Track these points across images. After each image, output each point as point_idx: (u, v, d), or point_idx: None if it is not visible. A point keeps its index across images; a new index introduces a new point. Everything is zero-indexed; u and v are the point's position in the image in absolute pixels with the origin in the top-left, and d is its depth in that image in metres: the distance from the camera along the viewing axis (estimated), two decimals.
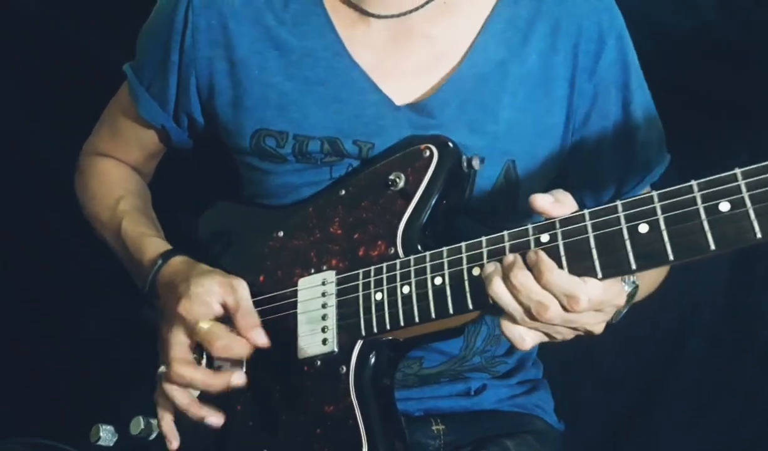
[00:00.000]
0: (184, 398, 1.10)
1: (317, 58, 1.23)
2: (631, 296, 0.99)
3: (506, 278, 0.93)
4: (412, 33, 1.24)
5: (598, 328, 0.97)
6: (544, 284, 0.91)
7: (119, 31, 1.70)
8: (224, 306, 1.11)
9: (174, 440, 1.14)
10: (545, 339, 0.98)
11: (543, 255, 0.92)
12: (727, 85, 1.58)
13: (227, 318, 1.11)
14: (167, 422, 1.14)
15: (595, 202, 1.22)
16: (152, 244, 1.26)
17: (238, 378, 1.08)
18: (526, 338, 0.95)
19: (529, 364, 1.43)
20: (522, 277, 0.92)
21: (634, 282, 0.99)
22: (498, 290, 0.94)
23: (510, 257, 0.94)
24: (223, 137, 1.31)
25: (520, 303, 0.93)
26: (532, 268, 0.92)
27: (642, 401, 1.75)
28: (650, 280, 1.30)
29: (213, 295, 1.10)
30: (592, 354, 1.71)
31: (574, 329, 0.96)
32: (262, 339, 1.08)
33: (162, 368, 1.12)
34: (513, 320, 0.94)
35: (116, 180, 1.41)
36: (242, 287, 1.12)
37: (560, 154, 1.26)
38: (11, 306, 1.84)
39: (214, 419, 1.10)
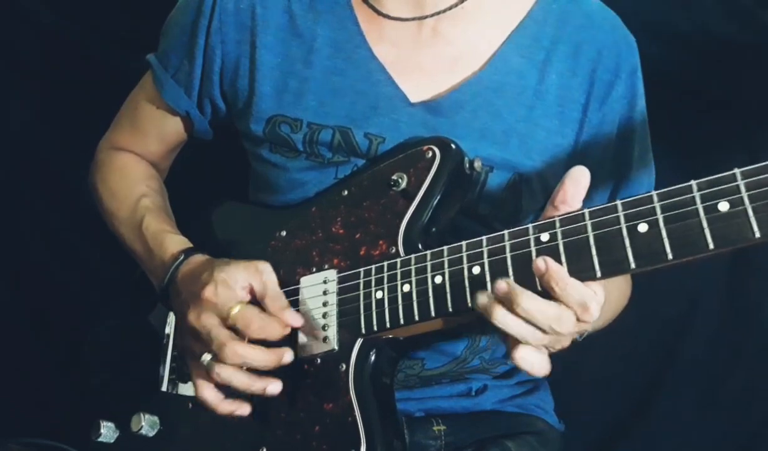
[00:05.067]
0: (242, 377, 1.07)
1: (338, 48, 1.25)
2: None
3: (515, 308, 0.91)
4: (433, 33, 1.25)
5: (589, 327, 0.97)
6: (558, 294, 0.90)
7: (122, 31, 1.72)
8: (250, 291, 1.10)
9: (245, 406, 1.11)
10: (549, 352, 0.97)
11: (553, 264, 0.90)
12: (727, 85, 1.59)
13: (254, 302, 1.10)
14: (225, 404, 1.11)
15: None
16: (175, 241, 1.25)
17: (288, 356, 1.07)
18: (544, 364, 0.94)
19: None
20: (533, 304, 0.91)
21: None
22: (510, 322, 0.92)
23: (503, 284, 0.92)
24: (239, 123, 1.32)
25: (538, 327, 0.91)
26: (543, 278, 0.90)
27: (642, 401, 1.75)
28: (612, 307, 1.31)
29: (238, 280, 1.09)
30: (592, 354, 1.71)
31: (572, 332, 0.96)
32: (296, 319, 1.08)
33: (206, 356, 1.08)
34: (525, 341, 0.92)
35: (138, 177, 1.40)
36: (268, 270, 1.11)
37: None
38: (11, 306, 1.84)
39: (275, 386, 1.07)
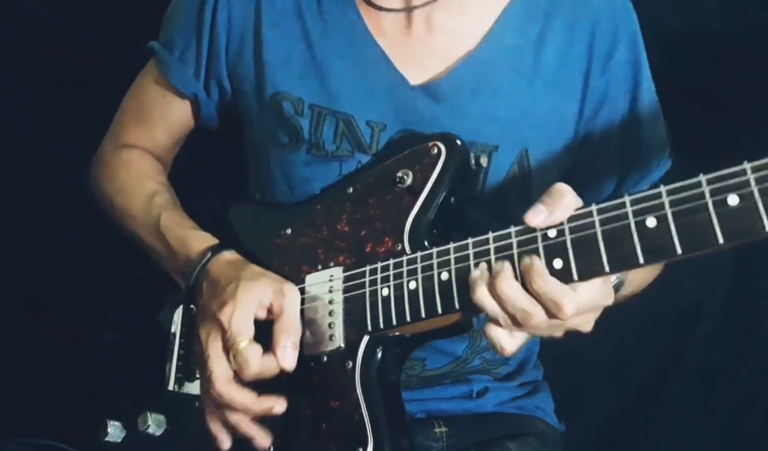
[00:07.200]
0: (233, 416, 1.08)
1: (339, 32, 1.26)
2: (615, 289, 1.00)
3: (491, 286, 0.94)
4: (426, 25, 1.25)
5: (587, 327, 0.98)
6: (534, 290, 0.92)
7: (122, 31, 1.72)
8: (269, 310, 1.09)
9: (225, 441, 1.10)
10: (528, 339, 0.98)
11: (537, 261, 0.92)
12: (728, 84, 1.59)
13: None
14: (215, 426, 1.11)
15: (592, 199, 1.23)
16: (200, 237, 1.23)
17: (280, 407, 1.06)
18: (506, 345, 0.96)
19: (530, 366, 1.44)
20: (507, 288, 0.93)
21: (619, 277, 1.00)
22: (481, 296, 0.95)
23: (498, 266, 0.95)
24: (243, 103, 1.32)
25: (505, 311, 0.94)
26: (524, 272, 0.93)
27: (642, 401, 1.75)
28: (641, 277, 1.29)
29: (261, 302, 1.07)
30: (592, 354, 1.72)
31: (563, 329, 0.97)
32: (289, 365, 1.05)
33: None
34: (497, 324, 0.95)
35: (147, 173, 1.38)
36: (292, 296, 1.09)
37: (572, 145, 1.27)
38: (11, 306, 1.84)
39: (263, 440, 1.08)
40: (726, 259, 1.69)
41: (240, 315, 1.05)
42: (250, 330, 1.06)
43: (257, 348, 1.05)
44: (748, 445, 1.67)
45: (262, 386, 1.07)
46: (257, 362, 1.04)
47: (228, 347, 1.06)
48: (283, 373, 1.05)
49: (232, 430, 1.10)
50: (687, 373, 1.72)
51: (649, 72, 1.29)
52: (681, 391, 1.73)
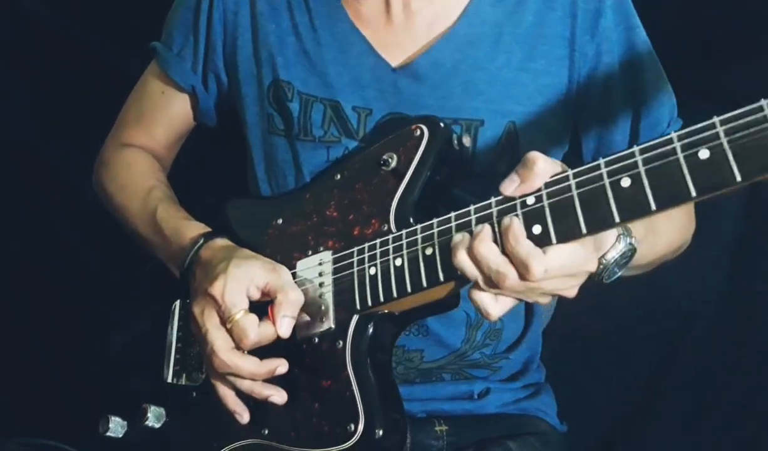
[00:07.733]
0: (244, 383, 1.10)
1: (323, 23, 1.30)
2: (625, 257, 1.00)
3: (470, 249, 0.95)
4: (405, 10, 1.27)
5: (569, 292, 0.98)
6: (508, 251, 0.93)
7: (122, 31, 1.76)
8: (266, 288, 1.10)
9: (244, 413, 1.13)
10: (515, 303, 0.99)
11: (516, 223, 0.93)
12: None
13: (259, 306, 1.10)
14: (231, 399, 1.13)
15: (606, 151, 1.20)
16: (193, 226, 1.26)
17: (282, 367, 1.08)
18: (490, 310, 0.97)
19: (534, 367, 1.44)
20: (484, 249, 0.94)
21: (630, 244, 0.99)
22: (461, 259, 0.96)
23: (479, 228, 0.96)
24: (241, 94, 1.35)
25: (482, 272, 0.95)
26: (503, 233, 0.94)
27: (642, 401, 1.74)
28: (669, 238, 1.25)
29: (253, 279, 1.09)
30: (592, 354, 1.71)
31: (543, 293, 0.97)
32: (287, 333, 1.07)
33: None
34: (478, 287, 0.96)
35: (146, 170, 1.42)
36: (285, 273, 1.12)
37: (563, 112, 1.27)
38: (11, 306, 1.86)
39: (279, 397, 1.10)
40: (724, 260, 1.69)
41: (232, 287, 1.07)
42: (244, 302, 1.08)
43: (253, 318, 1.07)
44: (746, 444, 1.66)
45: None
46: (255, 332, 1.06)
47: (224, 321, 1.08)
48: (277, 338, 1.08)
49: (246, 398, 1.12)
50: (686, 373, 1.72)
51: (642, 29, 1.28)
52: (680, 391, 1.72)
